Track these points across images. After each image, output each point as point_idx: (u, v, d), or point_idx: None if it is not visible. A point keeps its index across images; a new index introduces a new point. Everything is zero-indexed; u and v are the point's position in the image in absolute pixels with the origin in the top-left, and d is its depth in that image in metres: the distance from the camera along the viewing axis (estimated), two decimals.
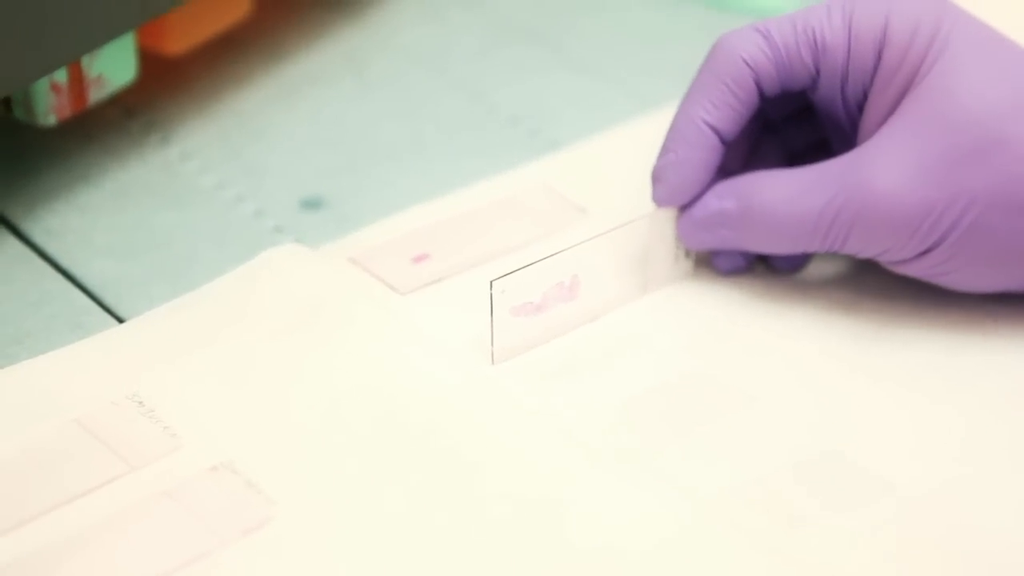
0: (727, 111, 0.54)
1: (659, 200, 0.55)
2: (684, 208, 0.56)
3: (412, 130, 0.66)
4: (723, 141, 0.54)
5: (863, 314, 0.56)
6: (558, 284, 0.55)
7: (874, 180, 0.52)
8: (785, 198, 0.54)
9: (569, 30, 0.72)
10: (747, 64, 0.54)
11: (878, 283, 0.57)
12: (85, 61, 0.60)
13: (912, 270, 0.54)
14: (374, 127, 0.66)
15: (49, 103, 0.60)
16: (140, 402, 0.52)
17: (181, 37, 0.65)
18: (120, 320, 0.57)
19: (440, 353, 0.54)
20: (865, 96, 0.54)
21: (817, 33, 0.54)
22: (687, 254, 0.57)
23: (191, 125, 0.66)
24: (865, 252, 0.53)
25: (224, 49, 0.69)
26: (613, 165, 0.63)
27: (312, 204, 0.62)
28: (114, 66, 0.61)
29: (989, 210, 0.52)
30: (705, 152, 0.54)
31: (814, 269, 0.58)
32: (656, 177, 0.55)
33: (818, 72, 0.54)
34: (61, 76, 0.60)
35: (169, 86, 0.67)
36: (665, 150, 0.55)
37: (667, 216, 0.56)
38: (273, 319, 0.55)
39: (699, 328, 0.56)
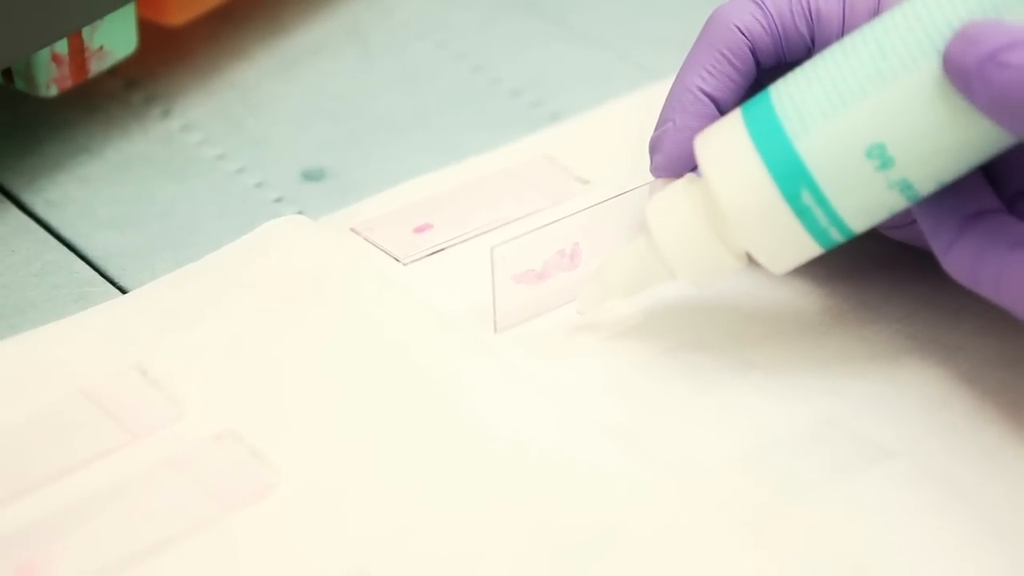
0: (724, 80, 0.54)
1: (657, 170, 0.55)
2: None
3: (414, 102, 0.66)
4: (720, 110, 0.54)
5: (862, 281, 0.56)
6: (559, 252, 0.55)
7: None
8: None
9: (571, 2, 0.72)
10: (742, 33, 0.54)
11: (878, 252, 0.57)
12: (86, 32, 0.60)
13: (901, 235, 0.54)
14: (376, 99, 0.66)
15: (50, 74, 0.60)
16: (144, 372, 0.52)
17: (182, 8, 0.65)
18: (123, 291, 0.57)
19: (441, 321, 0.54)
20: None
21: (812, 3, 0.53)
22: None
23: (192, 97, 0.66)
24: None
25: (225, 21, 0.69)
26: (615, 137, 0.63)
27: (314, 175, 0.62)
28: (115, 37, 0.61)
29: None
30: (703, 121, 0.54)
31: None
32: (653, 147, 0.55)
33: (813, 42, 0.54)
34: (62, 47, 0.60)
35: (170, 58, 0.67)
36: (662, 120, 0.55)
37: (667, 186, 0.56)
38: (275, 289, 0.55)
39: (696, 297, 0.56)
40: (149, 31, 0.65)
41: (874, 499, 0.49)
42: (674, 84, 0.55)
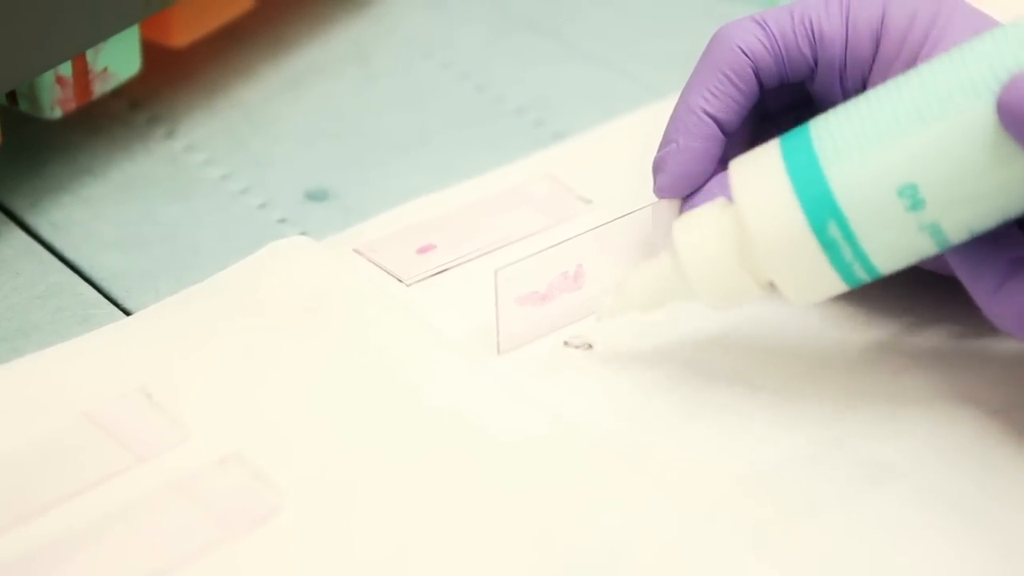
0: (727, 101, 0.54)
1: (660, 190, 0.55)
2: (687, 198, 0.56)
3: (417, 121, 0.66)
4: (724, 131, 0.54)
5: (866, 301, 0.56)
6: (563, 274, 0.55)
7: None
8: None
9: (574, 20, 0.72)
10: (745, 54, 0.54)
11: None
12: (90, 54, 0.60)
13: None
14: (379, 118, 0.66)
15: (54, 96, 0.60)
16: (148, 394, 0.52)
17: (185, 29, 0.65)
18: (127, 313, 0.57)
19: (445, 342, 0.54)
20: (864, 86, 0.54)
21: (815, 24, 0.54)
22: None
23: (196, 117, 0.66)
24: None
25: (228, 41, 0.69)
26: (618, 156, 0.63)
27: (317, 196, 0.62)
28: (119, 59, 0.62)
29: None
30: (706, 142, 0.54)
31: None
32: (657, 167, 0.55)
33: (816, 63, 0.54)
34: (66, 69, 0.60)
35: (174, 79, 0.68)
36: (666, 140, 0.55)
37: (670, 207, 0.56)
38: (279, 310, 0.55)
39: (700, 318, 0.56)
40: (152, 52, 0.65)
41: (880, 518, 0.49)
42: (678, 105, 0.55)
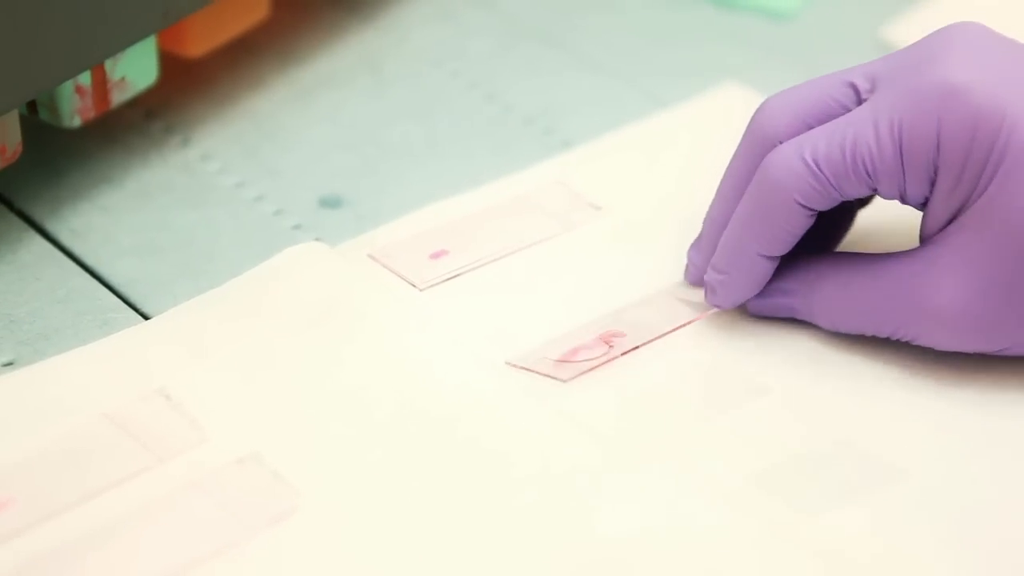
0: (780, 243, 0.53)
1: (711, 303, 0.55)
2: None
3: (428, 129, 0.67)
4: (775, 258, 0.54)
5: None
6: (585, 346, 0.55)
7: (936, 298, 0.52)
8: (847, 302, 0.53)
9: (581, 29, 0.72)
10: (802, 206, 0.52)
11: None
12: (108, 64, 0.61)
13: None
14: (390, 127, 0.67)
15: (73, 105, 0.61)
16: (167, 396, 0.53)
17: (200, 40, 0.66)
18: (145, 317, 0.57)
19: (458, 346, 0.55)
20: (926, 202, 0.52)
21: (867, 160, 0.51)
22: None
23: (211, 126, 0.67)
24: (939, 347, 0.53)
25: (242, 52, 0.70)
26: (626, 163, 0.63)
27: (331, 203, 0.63)
28: (136, 69, 0.62)
29: None
30: (759, 276, 0.54)
31: None
32: (708, 287, 0.55)
33: (876, 189, 0.53)
34: (85, 79, 0.61)
35: (189, 88, 0.68)
36: (715, 266, 0.54)
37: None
38: (295, 315, 0.56)
39: (710, 321, 0.56)
40: (169, 62, 0.66)
41: (886, 519, 0.49)
42: (730, 239, 0.54)
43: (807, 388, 0.54)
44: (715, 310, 0.56)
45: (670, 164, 0.63)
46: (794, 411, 0.53)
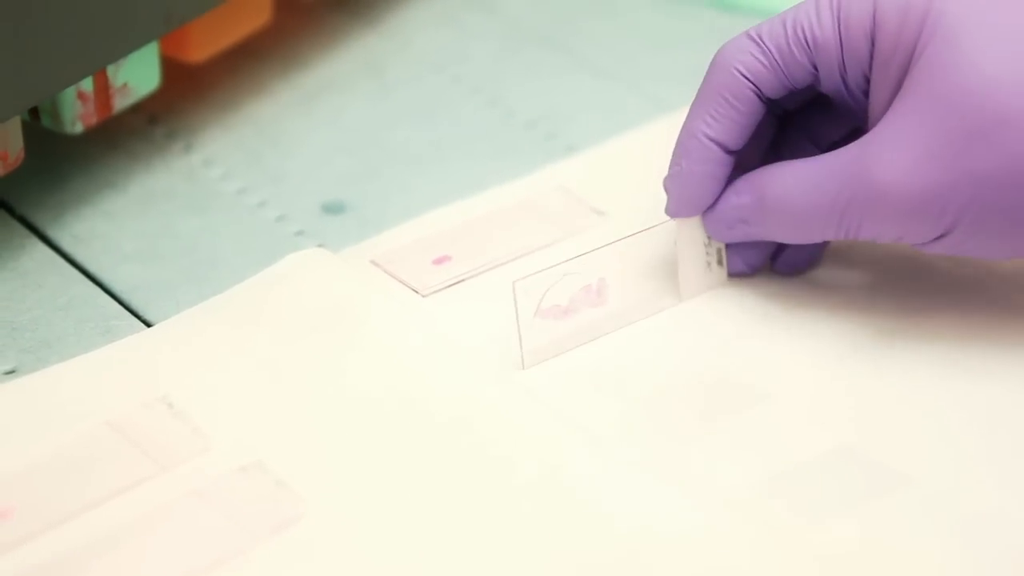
0: (727, 123, 0.55)
1: (670, 212, 0.56)
2: (706, 212, 0.56)
3: (430, 135, 0.67)
4: (728, 151, 0.55)
5: (876, 311, 0.57)
6: (585, 287, 0.55)
7: (878, 171, 0.52)
8: (797, 191, 0.54)
9: (583, 34, 0.72)
10: (742, 75, 0.54)
11: (891, 280, 0.58)
12: (110, 70, 0.61)
13: (936, 249, 0.53)
14: (393, 132, 0.67)
15: (76, 111, 0.61)
16: (170, 404, 0.53)
17: (203, 45, 0.66)
18: (148, 324, 0.57)
19: (461, 352, 0.55)
20: (867, 82, 0.54)
21: (807, 31, 0.54)
22: (719, 261, 0.57)
23: (213, 132, 0.67)
24: (882, 239, 0.54)
25: (244, 57, 0.70)
26: (628, 167, 0.63)
27: (334, 209, 0.63)
28: (138, 75, 0.62)
29: (998, 191, 0.51)
30: (709, 165, 0.55)
31: (826, 267, 0.59)
32: (665, 190, 0.56)
33: (816, 68, 0.54)
34: (87, 85, 0.61)
35: (191, 94, 0.68)
36: (672, 164, 0.56)
37: (692, 221, 0.57)
38: (298, 321, 0.56)
39: (714, 327, 0.56)
40: (171, 68, 0.66)
41: (891, 525, 0.49)
42: (682, 130, 0.56)
43: (810, 394, 0.54)
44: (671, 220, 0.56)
45: None
46: (797, 417, 0.53)
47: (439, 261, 0.59)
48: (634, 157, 0.64)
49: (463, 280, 0.58)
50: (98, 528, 0.49)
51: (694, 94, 0.57)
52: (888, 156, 0.52)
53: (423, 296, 0.58)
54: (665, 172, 0.56)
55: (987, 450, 0.52)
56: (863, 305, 0.57)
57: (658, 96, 0.68)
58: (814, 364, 0.55)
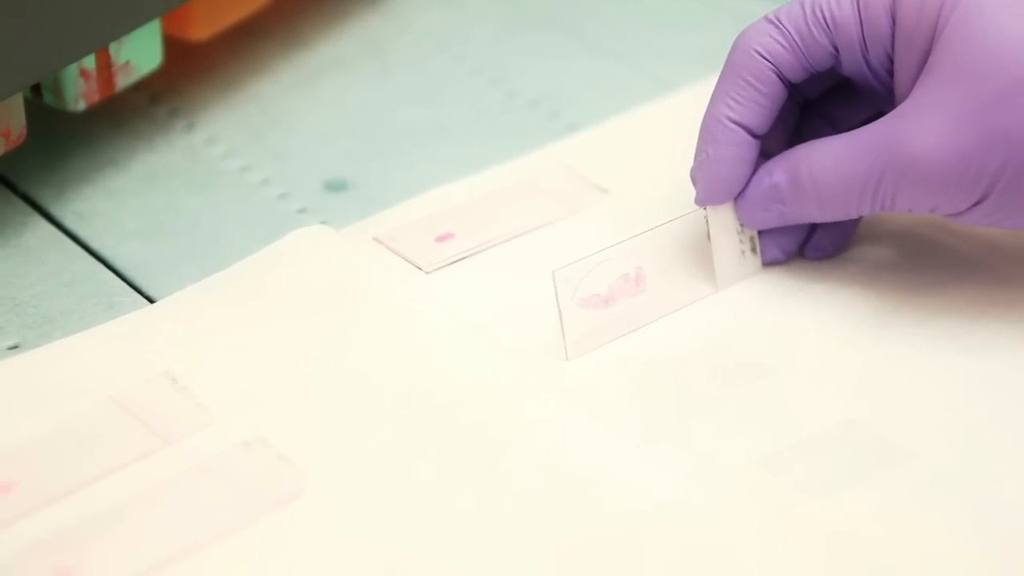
0: (751, 106, 0.55)
1: (699, 201, 0.56)
2: (738, 198, 0.56)
3: (433, 114, 0.67)
4: (754, 135, 0.55)
5: (883, 287, 0.57)
6: (623, 277, 0.55)
7: (911, 140, 0.52)
8: (830, 165, 0.54)
9: (586, 14, 0.72)
10: (763, 57, 0.54)
11: (898, 256, 0.58)
12: (113, 48, 0.61)
13: (969, 220, 0.53)
14: (395, 111, 0.67)
15: (78, 89, 0.61)
16: (173, 379, 0.53)
17: (205, 24, 0.66)
18: (151, 300, 0.57)
19: (464, 328, 0.55)
20: (891, 61, 0.54)
21: (826, 11, 0.54)
22: (753, 249, 0.57)
23: (215, 110, 0.67)
24: (917, 209, 0.53)
25: (247, 36, 0.70)
26: (631, 146, 0.63)
27: (336, 186, 0.63)
28: (141, 53, 0.62)
29: None
30: (736, 148, 0.55)
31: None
32: (693, 179, 0.56)
33: (837, 49, 0.54)
34: (90, 62, 0.61)
35: (194, 72, 0.68)
36: (698, 151, 0.55)
37: (724, 209, 0.56)
38: (301, 297, 0.56)
39: (718, 304, 0.56)
40: (173, 46, 0.66)
41: (895, 500, 0.49)
42: (705, 115, 0.55)
43: (815, 369, 0.54)
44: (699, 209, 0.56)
45: (676, 146, 0.63)
46: (802, 392, 0.53)
47: (442, 238, 0.59)
48: (637, 135, 0.64)
49: (466, 257, 0.58)
50: (101, 502, 0.49)
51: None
52: (921, 124, 0.52)
53: (426, 273, 0.58)
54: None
55: (994, 424, 0.52)
56: (864, 281, 0.57)
57: (661, 76, 0.68)
58: (819, 338, 0.55)
